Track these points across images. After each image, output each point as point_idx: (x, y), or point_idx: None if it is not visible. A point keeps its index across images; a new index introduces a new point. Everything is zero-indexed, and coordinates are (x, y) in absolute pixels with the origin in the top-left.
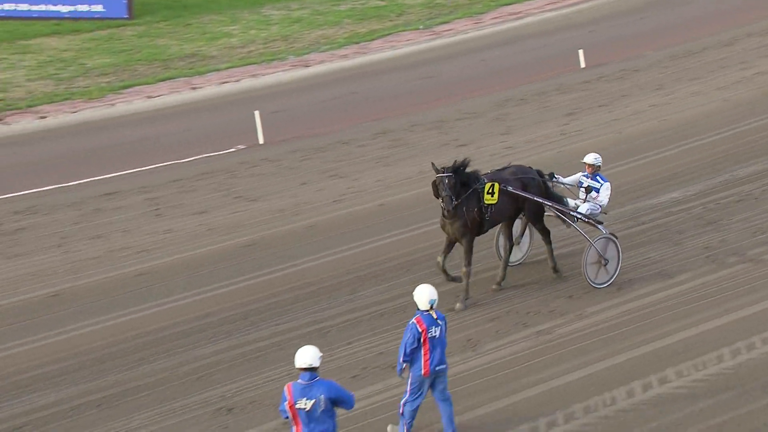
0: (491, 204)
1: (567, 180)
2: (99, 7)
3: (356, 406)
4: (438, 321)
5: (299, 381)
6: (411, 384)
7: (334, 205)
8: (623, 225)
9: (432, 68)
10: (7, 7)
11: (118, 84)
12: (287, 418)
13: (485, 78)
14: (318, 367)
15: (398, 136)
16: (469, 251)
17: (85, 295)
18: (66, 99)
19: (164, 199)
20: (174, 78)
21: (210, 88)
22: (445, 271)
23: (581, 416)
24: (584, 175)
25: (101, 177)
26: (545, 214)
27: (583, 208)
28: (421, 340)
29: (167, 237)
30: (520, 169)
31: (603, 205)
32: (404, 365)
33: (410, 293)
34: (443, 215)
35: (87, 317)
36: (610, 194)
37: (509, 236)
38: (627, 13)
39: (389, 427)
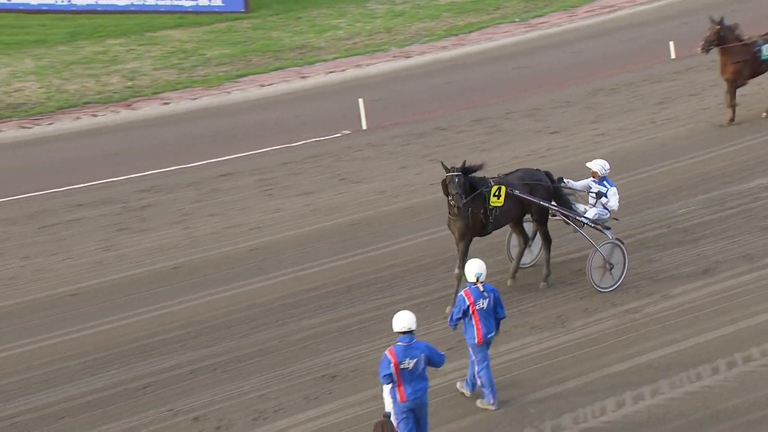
0: (497, 206)
1: (576, 185)
2: (218, 2)
3: (450, 378)
4: (485, 294)
5: (399, 344)
6: (474, 354)
7: (431, 188)
8: (708, 210)
9: (527, 59)
10: (136, 1)
11: (234, 73)
12: (388, 383)
13: (578, 68)
14: (414, 330)
15: (494, 123)
16: (464, 253)
17: (203, 268)
18: (187, 87)
19: (275, 180)
20: (285, 68)
21: (318, 77)
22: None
23: (667, 391)
24: (593, 181)
25: (218, 159)
26: (554, 218)
27: (591, 213)
28: (470, 311)
29: (277, 216)
30: (528, 173)
31: (613, 209)
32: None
33: (504, 272)
34: (450, 214)
35: (204, 288)
36: (618, 198)
37: (523, 234)
38: (718, 6)
39: (458, 384)
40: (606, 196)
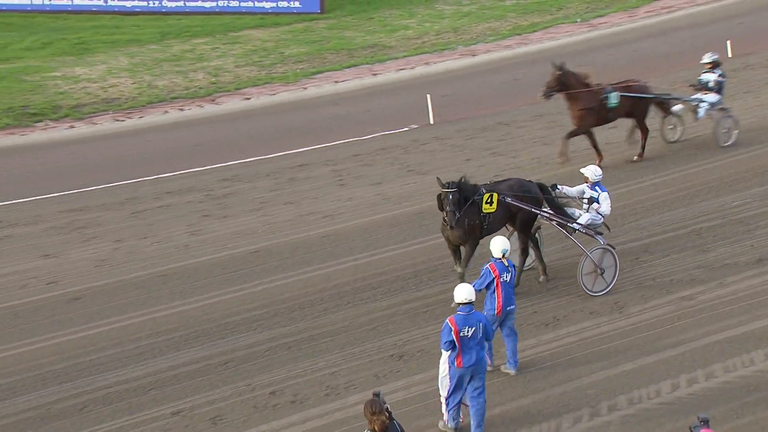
0: (489, 213)
1: (571, 191)
2: (296, 3)
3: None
4: (509, 268)
5: (459, 313)
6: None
7: (494, 179)
8: (763, 202)
9: (587, 57)
10: (221, 3)
11: (310, 70)
12: (449, 349)
13: (636, 66)
14: (473, 301)
15: (554, 118)
16: (469, 256)
17: (279, 253)
18: (267, 83)
19: (347, 171)
20: (357, 65)
21: (388, 74)
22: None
23: (720, 375)
24: (586, 186)
25: (295, 150)
26: (552, 222)
27: (584, 218)
28: (495, 284)
29: (348, 204)
30: (518, 182)
31: (605, 213)
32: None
33: (560, 259)
34: (444, 221)
35: (281, 272)
36: (610, 203)
37: (532, 238)
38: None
39: (502, 367)
40: (598, 202)
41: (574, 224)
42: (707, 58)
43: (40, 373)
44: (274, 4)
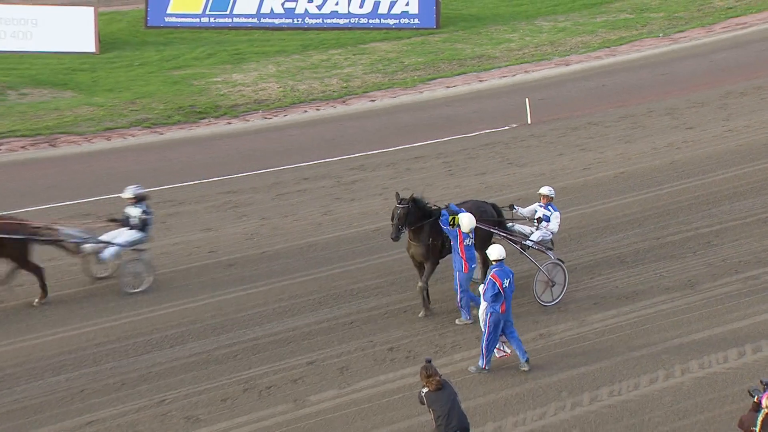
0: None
1: (524, 211)
2: (416, 21)
3: (569, 334)
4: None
5: (497, 269)
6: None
7: (583, 171)
8: None
9: (668, 67)
10: (352, 20)
11: (426, 77)
12: (494, 301)
13: (712, 75)
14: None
15: (637, 120)
16: (429, 272)
17: None
18: (389, 87)
19: (455, 162)
20: (466, 73)
21: (492, 80)
22: (424, 297)
23: None
24: (539, 205)
25: (411, 145)
26: (507, 239)
27: (535, 236)
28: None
29: (457, 191)
30: (476, 204)
31: (554, 231)
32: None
33: (640, 242)
34: (410, 239)
35: (399, 247)
36: (560, 222)
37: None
38: None
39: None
40: (548, 220)
41: (527, 241)
42: (129, 193)
43: (202, 326)
44: (396, 21)
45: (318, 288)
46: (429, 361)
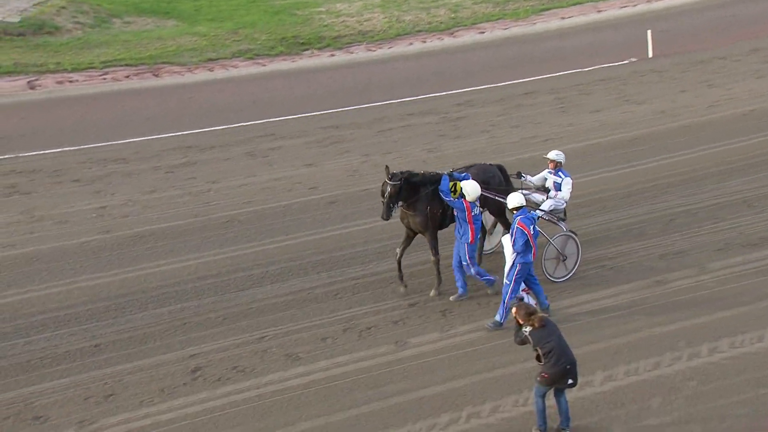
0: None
1: (534, 179)
2: None
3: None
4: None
5: (521, 216)
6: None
7: (708, 109)
8: None
9: None
10: None
11: (539, 7)
12: (524, 249)
13: None
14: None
15: None
16: (433, 243)
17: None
18: (500, 18)
19: (568, 99)
20: (583, 3)
21: (612, 11)
22: (399, 267)
23: None
24: (548, 172)
25: (522, 80)
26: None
27: (546, 205)
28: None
29: (568, 129)
30: (482, 168)
31: (565, 199)
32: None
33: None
34: (403, 209)
35: None
36: (571, 189)
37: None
38: None
39: (433, 291)
40: (559, 188)
41: (537, 211)
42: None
43: (302, 263)
44: None
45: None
46: (521, 299)
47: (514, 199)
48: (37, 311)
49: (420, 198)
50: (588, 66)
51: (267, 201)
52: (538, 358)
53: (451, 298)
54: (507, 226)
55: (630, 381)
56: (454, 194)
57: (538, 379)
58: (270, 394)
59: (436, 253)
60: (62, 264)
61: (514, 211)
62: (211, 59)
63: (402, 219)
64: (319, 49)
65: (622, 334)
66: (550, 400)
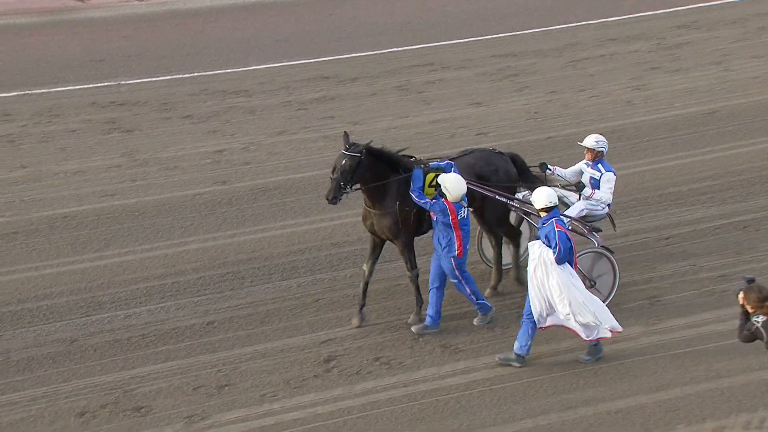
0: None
1: (566, 171)
2: None
3: None
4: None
5: (556, 218)
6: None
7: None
8: None
9: None
10: None
11: None
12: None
13: None
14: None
15: None
16: (407, 254)
17: (738, 115)
18: None
19: None
20: None
21: None
22: (365, 291)
23: None
24: (585, 164)
25: None
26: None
27: (574, 209)
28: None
29: None
30: (483, 157)
31: (604, 202)
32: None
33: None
34: (366, 205)
35: (740, 137)
36: (613, 188)
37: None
38: None
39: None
40: (597, 186)
41: (562, 216)
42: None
43: (472, 226)
44: None
45: (629, 189)
46: (752, 281)
47: (542, 196)
48: (139, 278)
49: (388, 189)
50: None
51: (423, 149)
52: None
53: (413, 329)
54: (499, 241)
55: None
56: (430, 193)
57: None
58: (421, 394)
59: (412, 266)
60: (170, 220)
61: (543, 213)
62: None
63: (364, 220)
64: None
65: None
66: None
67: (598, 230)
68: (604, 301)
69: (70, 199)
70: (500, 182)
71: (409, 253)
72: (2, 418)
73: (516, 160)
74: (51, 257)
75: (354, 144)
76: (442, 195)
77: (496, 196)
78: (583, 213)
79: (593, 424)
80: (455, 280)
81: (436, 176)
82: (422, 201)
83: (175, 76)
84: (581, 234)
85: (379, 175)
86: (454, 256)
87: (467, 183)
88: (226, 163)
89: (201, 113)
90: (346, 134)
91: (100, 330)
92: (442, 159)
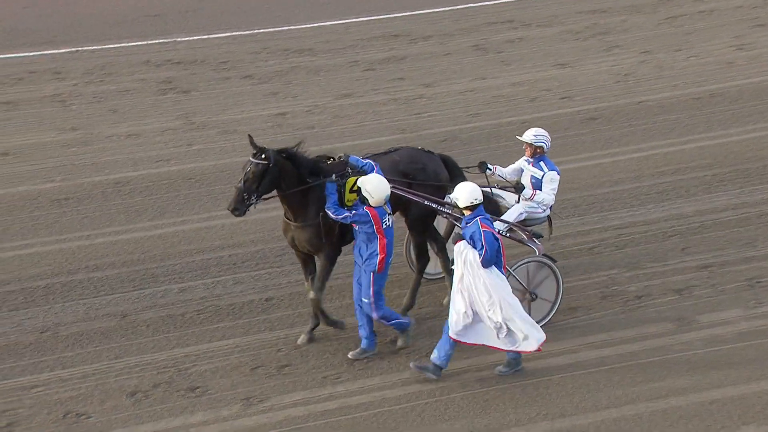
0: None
1: (506, 171)
2: None
3: None
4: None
5: (481, 217)
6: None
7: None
8: None
9: None
10: None
11: None
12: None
13: None
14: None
15: None
16: (325, 274)
17: None
18: None
19: None
20: None
21: None
22: (322, 313)
23: None
24: (525, 161)
25: None
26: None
27: (513, 212)
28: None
29: None
30: (408, 154)
31: (545, 204)
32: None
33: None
34: (286, 216)
35: None
36: (556, 189)
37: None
38: None
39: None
40: (539, 186)
41: (498, 222)
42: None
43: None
44: None
45: (713, 161)
46: None
47: (465, 192)
48: (195, 249)
49: (308, 198)
50: None
51: (501, 114)
52: None
53: (349, 355)
54: (423, 248)
55: None
56: (346, 196)
57: None
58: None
59: (321, 287)
60: (228, 188)
61: (466, 212)
62: None
63: (285, 233)
64: None
65: None
66: None
67: (539, 236)
68: (551, 309)
69: (123, 164)
70: (428, 181)
71: (329, 270)
72: (51, 395)
73: (447, 162)
74: (103, 225)
75: (262, 149)
76: (364, 199)
77: (425, 202)
78: (522, 217)
79: (684, 416)
80: (366, 300)
81: (356, 180)
82: (341, 216)
83: (234, 33)
84: (520, 241)
85: (294, 183)
86: (374, 271)
87: (392, 187)
88: (289, 126)
89: (262, 73)
90: (250, 137)
91: (153, 305)
92: (364, 156)
